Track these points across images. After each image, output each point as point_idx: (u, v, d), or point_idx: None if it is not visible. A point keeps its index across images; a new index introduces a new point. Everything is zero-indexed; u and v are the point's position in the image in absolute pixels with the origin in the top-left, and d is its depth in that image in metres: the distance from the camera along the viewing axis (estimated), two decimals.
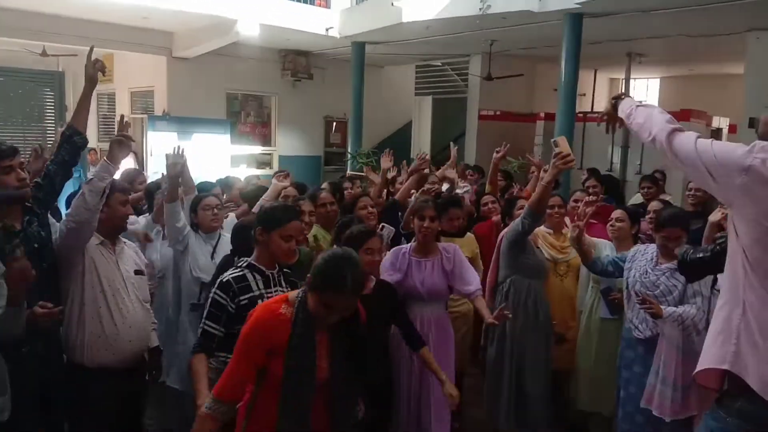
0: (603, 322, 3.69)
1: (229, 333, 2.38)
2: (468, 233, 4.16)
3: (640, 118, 2.06)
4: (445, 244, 3.49)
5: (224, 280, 2.47)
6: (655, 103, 14.29)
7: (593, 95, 13.14)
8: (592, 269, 3.57)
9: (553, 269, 3.87)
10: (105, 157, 2.78)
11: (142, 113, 11.26)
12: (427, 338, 3.22)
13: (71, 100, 13.02)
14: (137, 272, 2.98)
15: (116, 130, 2.88)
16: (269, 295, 2.46)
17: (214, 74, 10.99)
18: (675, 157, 1.86)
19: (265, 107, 12.54)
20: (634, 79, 11.73)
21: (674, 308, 3.03)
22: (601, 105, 13.61)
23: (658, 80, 14.50)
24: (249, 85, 11.93)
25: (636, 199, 6.39)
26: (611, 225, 3.74)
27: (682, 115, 9.80)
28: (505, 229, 3.59)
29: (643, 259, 3.31)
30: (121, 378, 2.79)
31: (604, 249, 3.76)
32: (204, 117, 10.59)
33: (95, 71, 2.88)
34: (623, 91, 2.15)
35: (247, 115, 12.32)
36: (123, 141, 2.79)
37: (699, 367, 1.80)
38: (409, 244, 3.43)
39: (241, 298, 2.44)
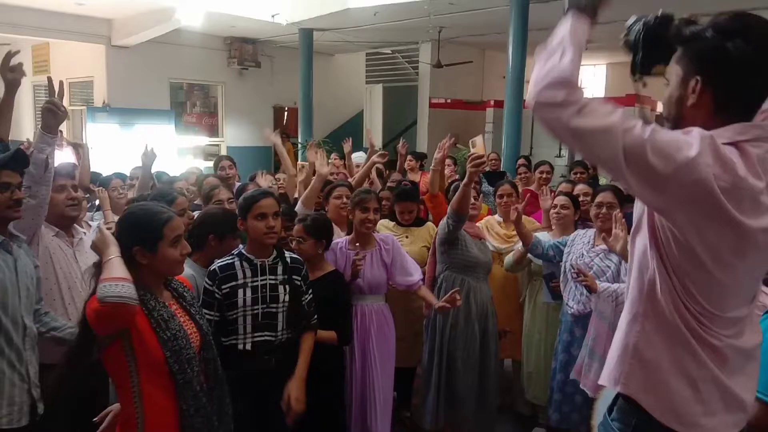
0: (548, 312, 3.67)
1: (223, 319, 2.51)
2: (428, 222, 4.04)
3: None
4: (382, 234, 3.41)
5: (212, 268, 2.56)
6: (602, 89, 14.52)
7: None
8: (533, 252, 3.55)
9: (497, 260, 3.83)
10: (40, 127, 2.60)
11: (81, 105, 10.82)
12: (368, 332, 3.16)
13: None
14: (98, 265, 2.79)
15: (48, 93, 2.62)
16: (254, 283, 2.53)
17: (157, 63, 10.62)
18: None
19: (212, 97, 12.22)
20: (582, 65, 11.85)
21: (609, 284, 3.09)
22: None
23: (604, 66, 14.72)
24: (194, 74, 11.59)
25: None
26: (556, 212, 3.71)
27: (628, 101, 9.96)
28: (440, 223, 3.51)
29: (581, 243, 3.40)
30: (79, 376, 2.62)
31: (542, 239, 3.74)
32: (147, 108, 10.24)
33: (15, 75, 2.69)
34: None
35: (192, 105, 11.98)
36: (52, 108, 2.56)
37: (600, 381, 1.60)
38: (345, 238, 3.33)
39: (223, 286, 2.50)
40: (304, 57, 10.54)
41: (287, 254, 2.69)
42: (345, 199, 3.61)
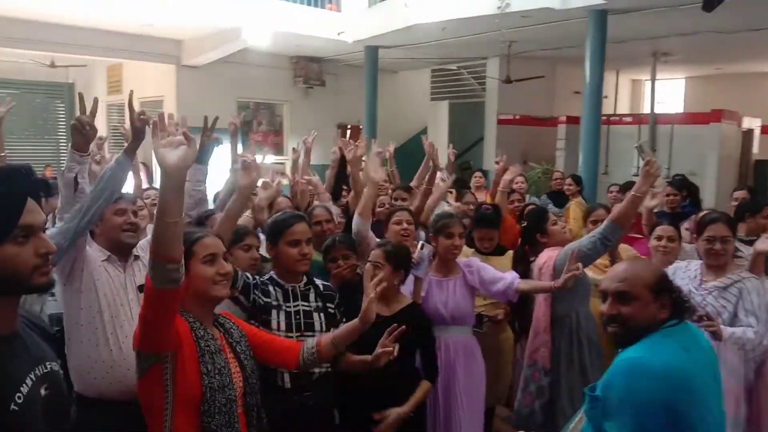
0: None
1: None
2: (509, 251, 3.70)
3: None
4: (464, 259, 3.13)
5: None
6: (682, 104, 13.75)
7: (616, 97, 12.70)
8: None
9: (593, 291, 3.48)
10: (70, 146, 2.50)
11: None
12: (454, 366, 2.88)
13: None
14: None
15: (78, 110, 2.50)
16: (288, 309, 2.36)
17: (225, 82, 10.74)
18: None
19: (278, 115, 12.28)
20: (659, 79, 11.26)
21: (733, 329, 2.65)
22: (624, 107, 13.19)
23: (683, 80, 14.00)
24: (260, 93, 11.67)
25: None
26: (663, 245, 3.29)
27: (713, 116, 9.36)
28: (553, 253, 3.12)
29: (685, 277, 2.93)
30: (120, 410, 2.42)
31: None
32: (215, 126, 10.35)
33: (140, 124, 2.53)
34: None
35: (259, 124, 12.07)
36: (77, 126, 2.43)
37: None
38: None
39: (260, 294, 2.34)
40: (368, 75, 10.45)
41: (318, 281, 2.50)
42: (406, 225, 3.29)
